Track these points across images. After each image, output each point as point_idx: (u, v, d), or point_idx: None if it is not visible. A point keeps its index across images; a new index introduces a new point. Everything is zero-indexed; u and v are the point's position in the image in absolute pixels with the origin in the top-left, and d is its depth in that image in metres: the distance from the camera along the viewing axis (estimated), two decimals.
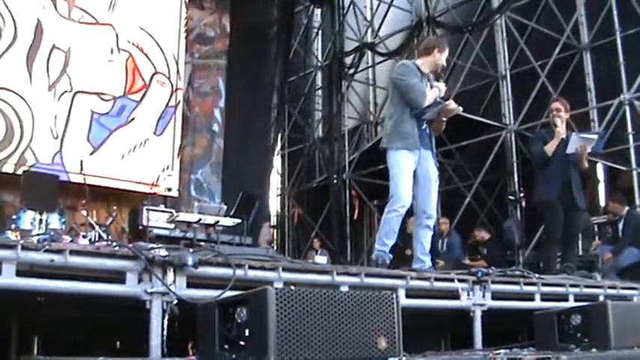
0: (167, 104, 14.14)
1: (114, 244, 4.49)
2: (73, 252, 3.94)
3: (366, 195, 18.22)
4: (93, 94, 13.05)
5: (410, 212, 6.97)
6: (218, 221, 10.90)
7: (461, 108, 6.65)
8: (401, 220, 6.78)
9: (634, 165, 12.22)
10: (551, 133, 8.25)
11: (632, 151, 12.31)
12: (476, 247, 13.50)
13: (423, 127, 6.75)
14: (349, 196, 18.02)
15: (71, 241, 4.57)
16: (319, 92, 20.75)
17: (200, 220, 10.78)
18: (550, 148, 8.05)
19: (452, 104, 6.62)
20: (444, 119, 6.70)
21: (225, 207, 11.52)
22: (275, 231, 19.70)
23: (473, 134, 14.81)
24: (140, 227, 11.33)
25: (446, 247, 13.59)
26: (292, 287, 3.11)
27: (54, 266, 3.89)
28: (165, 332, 4.11)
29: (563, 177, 8.10)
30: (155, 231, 11.16)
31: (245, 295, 3.22)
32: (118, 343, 6.04)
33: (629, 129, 12.41)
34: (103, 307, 4.68)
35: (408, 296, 5.41)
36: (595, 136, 8.53)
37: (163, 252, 4.21)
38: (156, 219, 11.37)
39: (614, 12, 13.24)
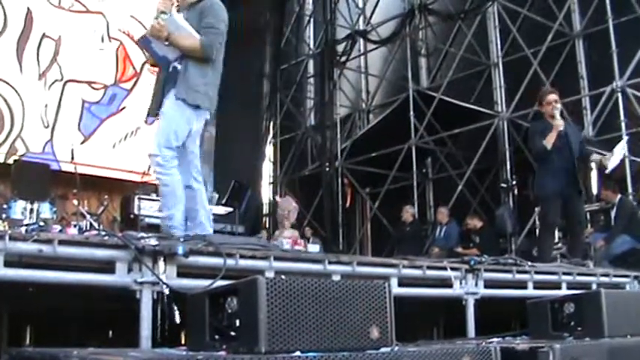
0: None
1: (103, 233, 4.46)
2: (61, 242, 3.90)
3: (358, 183, 18.24)
4: (84, 82, 13.00)
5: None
6: (210, 210, 10.85)
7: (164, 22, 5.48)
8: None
9: (626, 153, 12.22)
10: (546, 124, 8.23)
11: (624, 138, 12.31)
12: (468, 235, 13.51)
13: (170, 69, 5.70)
14: (341, 184, 18.02)
15: (60, 231, 4.52)
16: (311, 80, 20.69)
17: None
18: (549, 140, 8.00)
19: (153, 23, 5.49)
20: (167, 44, 5.54)
21: (216, 195, 11.51)
22: (267, 219, 19.67)
23: (465, 122, 14.80)
24: (132, 216, 11.29)
25: (443, 235, 13.61)
26: (283, 277, 3.07)
27: (43, 256, 3.85)
28: (159, 321, 4.09)
29: (568, 166, 8.13)
30: (147, 220, 11.12)
31: (235, 285, 3.18)
32: (110, 333, 6.02)
33: (622, 117, 12.40)
34: (96, 297, 4.65)
35: (400, 285, 5.40)
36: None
37: (153, 241, 4.17)
38: (147, 208, 11.33)
39: None
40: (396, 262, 5.56)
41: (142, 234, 4.42)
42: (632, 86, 12.30)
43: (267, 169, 20.08)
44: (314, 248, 11.38)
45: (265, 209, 19.77)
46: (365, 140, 17.17)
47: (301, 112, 20.47)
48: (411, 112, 15.64)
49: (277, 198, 8.94)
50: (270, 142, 19.90)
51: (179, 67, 5.60)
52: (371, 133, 17.32)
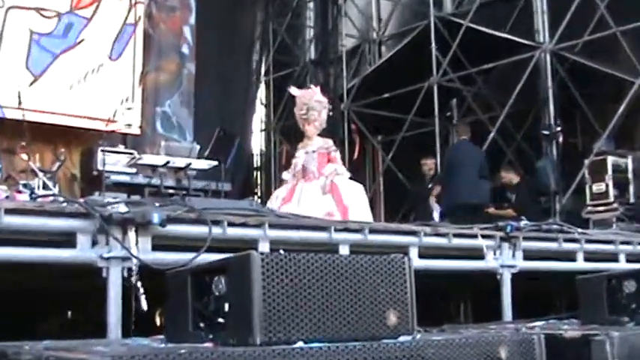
0: (125, 21, 13.96)
1: (61, 199, 4.44)
2: (8, 211, 3.87)
3: (368, 130, 18.19)
4: (31, 9, 12.87)
5: None
6: (190, 164, 10.86)
7: None
8: None
9: None
10: None
11: None
12: (502, 193, 13.48)
13: None
14: (348, 131, 17.97)
15: (7, 197, 4.51)
16: (311, 5, 20.56)
17: (168, 162, 10.73)
18: None
19: None
20: None
21: (198, 146, 11.49)
22: (258, 173, 19.70)
23: (498, 55, 14.69)
24: (94, 173, 11.32)
25: None
26: (282, 252, 3.05)
27: None
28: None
29: None
30: (113, 177, 11.16)
31: (224, 262, 3.17)
32: (70, 315, 6.04)
33: None
34: (55, 276, 4.64)
35: (421, 256, 5.39)
36: None
37: (122, 208, 4.16)
38: (114, 162, 11.36)
39: None
40: (416, 228, 5.56)
41: (109, 199, 4.40)
42: None
43: (258, 112, 20.06)
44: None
45: (257, 161, 19.79)
46: (376, 78, 17.10)
47: (299, 45, 20.38)
48: (433, 44, 15.55)
49: (292, 90, 8.73)
50: (261, 81, 19.82)
51: None
52: (383, 69, 17.24)
